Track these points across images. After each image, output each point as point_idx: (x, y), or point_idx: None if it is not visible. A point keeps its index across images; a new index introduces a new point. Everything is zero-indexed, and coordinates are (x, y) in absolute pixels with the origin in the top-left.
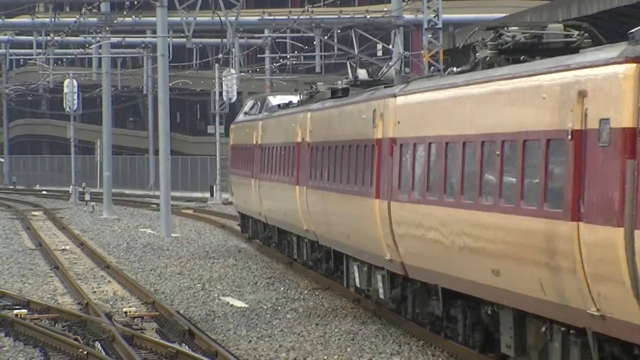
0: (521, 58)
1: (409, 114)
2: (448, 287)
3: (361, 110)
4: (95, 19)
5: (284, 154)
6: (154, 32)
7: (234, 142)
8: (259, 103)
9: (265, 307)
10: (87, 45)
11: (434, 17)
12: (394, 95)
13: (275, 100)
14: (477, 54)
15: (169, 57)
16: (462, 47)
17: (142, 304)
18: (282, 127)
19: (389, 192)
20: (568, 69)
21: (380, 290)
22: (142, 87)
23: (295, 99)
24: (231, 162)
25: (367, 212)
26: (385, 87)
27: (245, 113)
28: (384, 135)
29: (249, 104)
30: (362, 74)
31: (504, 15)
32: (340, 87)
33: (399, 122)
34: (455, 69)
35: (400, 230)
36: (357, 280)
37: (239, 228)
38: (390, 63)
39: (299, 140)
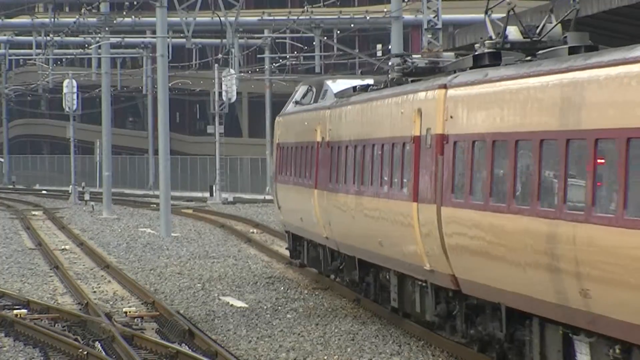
0: None
1: None
2: None
3: None
4: (94, 19)
5: (380, 155)
6: (154, 32)
7: (281, 140)
8: (314, 89)
9: (265, 307)
10: (86, 45)
11: (434, 17)
12: None
13: (336, 85)
14: None
15: (168, 58)
16: None
17: (142, 304)
18: (373, 116)
19: None
20: None
21: None
22: (142, 87)
23: (362, 82)
24: (277, 165)
25: None
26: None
27: (296, 102)
28: None
29: (300, 90)
30: (513, 33)
31: (503, 15)
32: (483, 53)
33: None
34: None
35: None
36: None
37: (239, 228)
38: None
39: (416, 133)
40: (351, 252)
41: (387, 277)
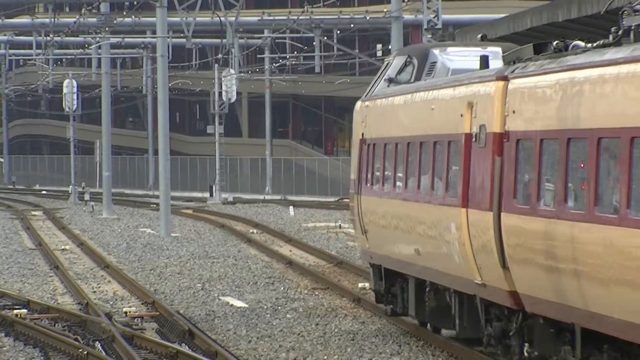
0: None
1: None
2: None
3: None
4: (94, 20)
5: None
6: (154, 32)
7: (370, 134)
8: (415, 62)
9: (265, 307)
10: (86, 45)
11: (434, 17)
12: None
13: (447, 54)
14: None
15: (168, 58)
16: None
17: (142, 304)
18: None
19: None
20: None
21: None
22: (142, 88)
23: (477, 49)
24: (363, 171)
25: None
26: None
27: (390, 80)
28: None
29: (394, 63)
30: None
31: (503, 15)
32: None
33: None
34: None
35: None
36: None
37: (239, 228)
38: None
39: None
40: (565, 317)
41: None
